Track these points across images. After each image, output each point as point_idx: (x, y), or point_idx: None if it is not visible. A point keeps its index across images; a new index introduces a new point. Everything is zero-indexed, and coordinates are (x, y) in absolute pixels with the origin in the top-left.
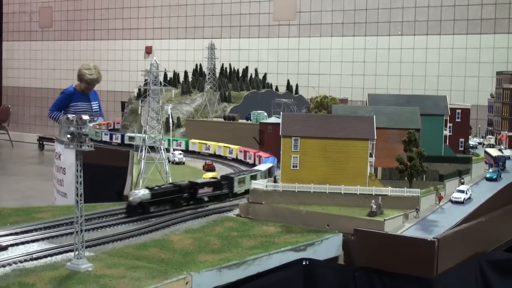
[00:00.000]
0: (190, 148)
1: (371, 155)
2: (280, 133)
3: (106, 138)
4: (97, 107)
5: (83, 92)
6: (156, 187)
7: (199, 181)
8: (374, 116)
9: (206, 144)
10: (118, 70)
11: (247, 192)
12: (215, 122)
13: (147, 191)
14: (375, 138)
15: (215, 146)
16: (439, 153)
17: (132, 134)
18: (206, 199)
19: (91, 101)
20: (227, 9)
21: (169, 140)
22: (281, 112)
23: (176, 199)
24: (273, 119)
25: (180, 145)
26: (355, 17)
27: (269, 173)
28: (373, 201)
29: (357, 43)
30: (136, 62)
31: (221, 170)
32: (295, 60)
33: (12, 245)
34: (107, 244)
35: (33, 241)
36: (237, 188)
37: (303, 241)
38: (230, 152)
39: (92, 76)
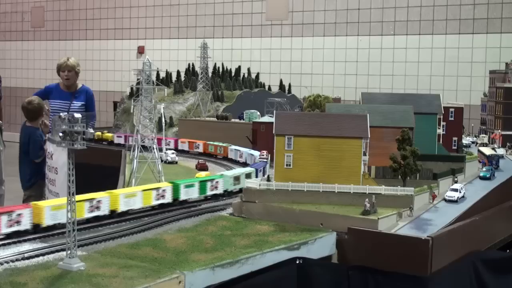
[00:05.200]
0: None
1: (364, 154)
2: (274, 132)
3: None
4: (78, 107)
5: (66, 89)
6: None
7: None
8: (368, 115)
9: None
10: (110, 70)
11: None
12: (208, 122)
13: None
14: (369, 136)
15: None
16: (433, 151)
17: None
18: None
19: (72, 100)
20: (219, 9)
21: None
22: (274, 111)
23: None
24: (266, 118)
25: None
26: (347, 16)
27: None
28: (366, 199)
29: (350, 43)
30: (128, 62)
31: (214, 169)
32: (288, 59)
33: (4, 244)
34: (99, 243)
35: (24, 240)
36: None
37: (296, 240)
38: None
39: (59, 61)
